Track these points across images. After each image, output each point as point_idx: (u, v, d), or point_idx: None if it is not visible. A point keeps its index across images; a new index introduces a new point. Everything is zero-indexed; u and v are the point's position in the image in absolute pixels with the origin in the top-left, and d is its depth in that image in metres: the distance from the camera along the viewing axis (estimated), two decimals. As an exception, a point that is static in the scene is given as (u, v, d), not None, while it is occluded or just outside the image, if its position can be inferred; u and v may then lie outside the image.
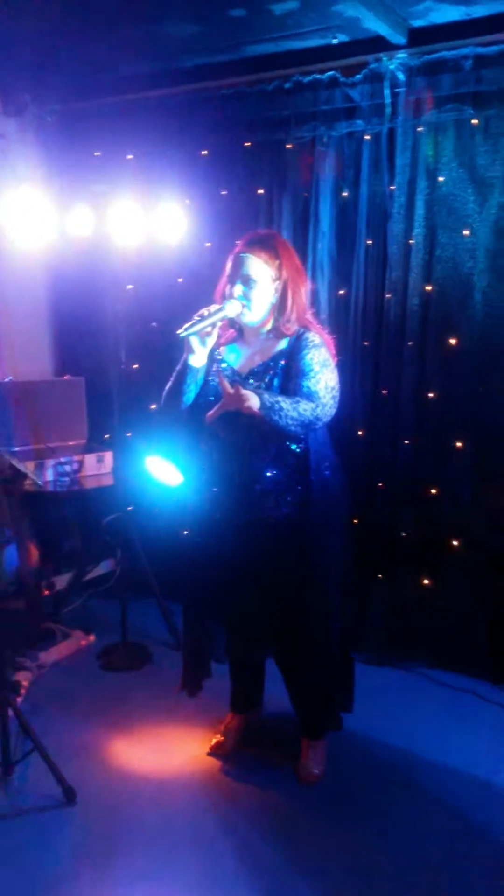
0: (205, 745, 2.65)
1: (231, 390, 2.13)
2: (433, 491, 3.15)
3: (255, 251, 2.26)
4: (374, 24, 2.83)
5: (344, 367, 2.45)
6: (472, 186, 2.93)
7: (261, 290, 2.26)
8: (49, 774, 2.35)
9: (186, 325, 2.21)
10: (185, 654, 2.59)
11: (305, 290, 2.37)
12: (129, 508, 3.36)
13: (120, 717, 2.86)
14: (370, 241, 3.15)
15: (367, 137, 3.09)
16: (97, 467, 3.61)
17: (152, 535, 3.53)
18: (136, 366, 3.74)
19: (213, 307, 2.25)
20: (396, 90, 3.00)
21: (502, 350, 2.97)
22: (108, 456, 3.64)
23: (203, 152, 3.48)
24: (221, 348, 2.39)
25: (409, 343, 3.11)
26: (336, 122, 3.16)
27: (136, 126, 3.57)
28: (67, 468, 3.48)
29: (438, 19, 2.88)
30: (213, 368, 2.34)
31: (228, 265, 2.31)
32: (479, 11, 2.80)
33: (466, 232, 2.96)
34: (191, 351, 2.25)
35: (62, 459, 3.49)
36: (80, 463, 3.55)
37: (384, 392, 3.20)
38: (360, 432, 3.25)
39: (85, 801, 2.36)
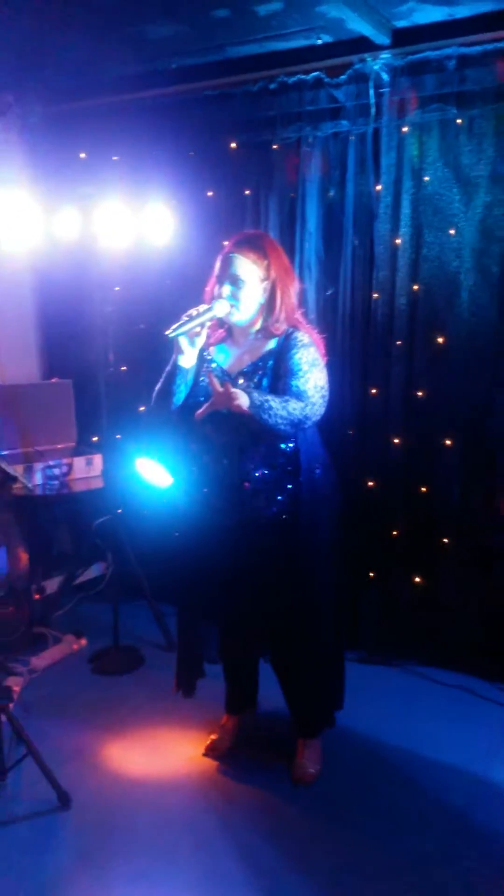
0: (200, 747, 2.65)
1: (220, 388, 2.13)
2: (423, 489, 3.16)
3: (244, 251, 2.26)
4: (358, 25, 2.85)
5: (332, 367, 2.45)
6: (457, 186, 2.95)
7: (249, 290, 2.26)
8: (43, 779, 2.34)
9: (175, 326, 2.20)
10: (179, 655, 2.58)
11: (294, 289, 2.37)
12: (119, 511, 3.35)
13: (113, 720, 2.85)
14: (357, 241, 3.16)
15: (352, 138, 3.10)
16: (86, 470, 3.59)
17: (143, 537, 3.52)
18: (124, 367, 3.73)
19: (202, 307, 2.25)
20: (381, 90, 3.01)
21: (488, 348, 2.99)
22: (98, 459, 3.63)
23: (190, 153, 3.48)
24: (211, 348, 2.39)
25: (398, 342, 3.12)
26: (321, 122, 3.16)
27: (122, 127, 3.57)
28: (56, 471, 3.47)
29: (422, 20, 2.90)
30: (203, 368, 2.34)
31: (217, 265, 2.31)
32: (462, 12, 2.82)
33: (452, 231, 2.97)
34: (180, 351, 2.25)
35: (51, 463, 3.47)
36: (70, 466, 3.53)
37: (373, 391, 3.21)
38: (349, 431, 3.26)
39: (80, 806, 2.35)
